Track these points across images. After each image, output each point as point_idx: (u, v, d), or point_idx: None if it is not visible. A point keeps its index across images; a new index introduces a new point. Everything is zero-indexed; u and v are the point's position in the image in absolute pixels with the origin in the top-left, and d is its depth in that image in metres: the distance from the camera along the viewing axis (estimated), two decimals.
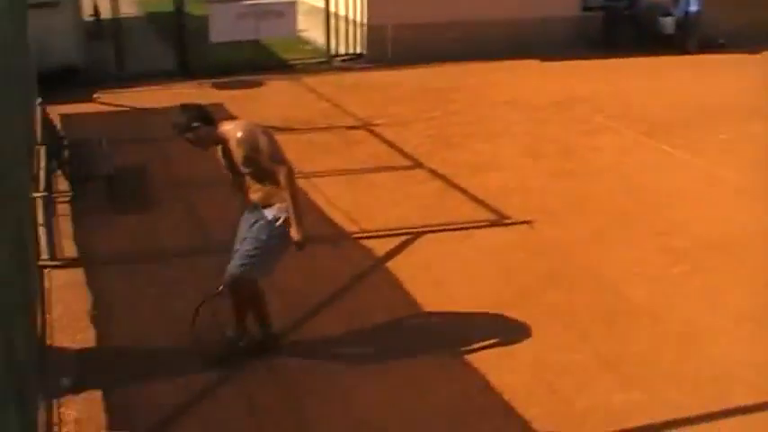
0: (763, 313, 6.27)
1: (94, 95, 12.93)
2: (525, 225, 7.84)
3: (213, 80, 13.74)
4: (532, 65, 15.12)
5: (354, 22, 15.44)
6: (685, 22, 17.01)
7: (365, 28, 15.28)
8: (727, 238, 7.58)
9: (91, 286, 6.57)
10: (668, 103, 12.58)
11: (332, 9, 15.30)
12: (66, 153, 8.94)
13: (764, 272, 6.99)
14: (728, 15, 17.92)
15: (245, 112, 11.43)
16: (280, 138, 10.24)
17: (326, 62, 15.29)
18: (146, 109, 12.00)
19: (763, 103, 12.78)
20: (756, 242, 7.58)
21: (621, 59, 15.80)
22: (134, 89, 13.40)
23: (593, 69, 15.05)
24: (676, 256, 7.18)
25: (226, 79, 13.79)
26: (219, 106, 11.81)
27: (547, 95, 12.88)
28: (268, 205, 5.32)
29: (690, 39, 17.01)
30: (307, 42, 16.72)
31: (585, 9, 17.00)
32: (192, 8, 15.60)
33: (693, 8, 16.93)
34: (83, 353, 5.68)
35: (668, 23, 17.08)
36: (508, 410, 5.04)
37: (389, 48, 14.98)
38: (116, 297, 6.40)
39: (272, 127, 10.84)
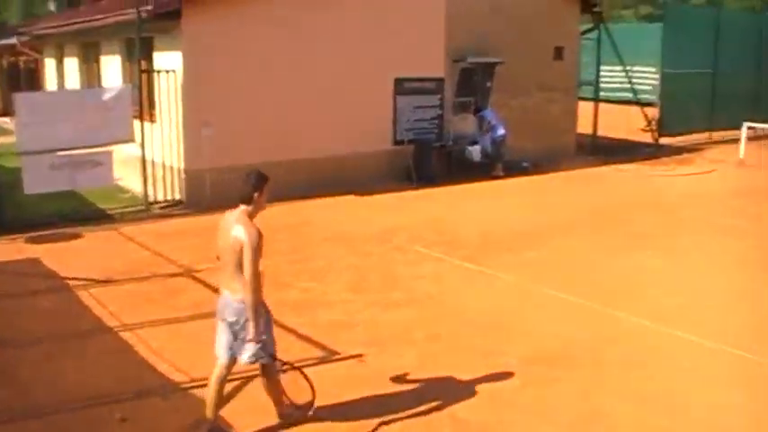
0: (592, 421, 6.52)
1: None
2: (354, 360, 7.84)
3: (28, 234, 13.14)
4: (351, 200, 15.52)
5: (171, 168, 15.38)
6: (492, 149, 18.14)
7: (182, 174, 15.26)
8: (551, 352, 7.90)
9: None
10: (480, 228, 13.27)
11: (148, 156, 15.16)
12: None
13: (592, 379, 7.33)
14: (530, 141, 19.41)
15: (63, 266, 11.01)
16: (98, 291, 10.00)
17: (145, 210, 15.04)
18: None
19: (570, 220, 13.66)
20: (577, 352, 7.94)
21: (434, 189, 16.71)
22: None
23: (407, 201, 15.73)
24: (506, 373, 7.41)
25: (42, 233, 13.22)
26: (36, 261, 11.35)
27: (367, 229, 13.21)
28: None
29: (496, 164, 18.14)
30: (126, 191, 16.40)
31: (396, 143, 17.73)
32: (6, 160, 15.10)
33: (500, 132, 18.13)
34: None
35: (475, 152, 18.20)
36: None
37: (208, 192, 14.93)
38: None
39: (92, 279, 10.53)
